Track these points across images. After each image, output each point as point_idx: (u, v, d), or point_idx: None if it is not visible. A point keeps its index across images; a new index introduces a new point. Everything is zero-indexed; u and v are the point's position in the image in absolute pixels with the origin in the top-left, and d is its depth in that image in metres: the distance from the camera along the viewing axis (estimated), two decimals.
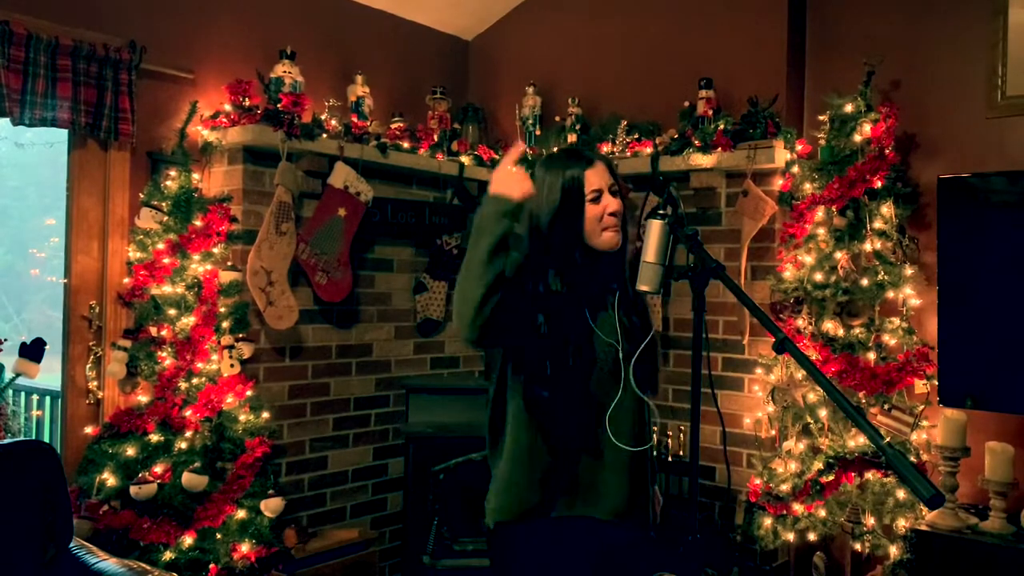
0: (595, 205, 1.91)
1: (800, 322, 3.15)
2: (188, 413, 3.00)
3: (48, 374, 3.12)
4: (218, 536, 2.96)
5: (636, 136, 3.65)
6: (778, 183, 3.38)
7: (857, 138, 3.11)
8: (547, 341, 1.87)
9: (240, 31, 3.52)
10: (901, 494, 2.97)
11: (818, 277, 3.10)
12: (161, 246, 3.07)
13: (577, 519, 1.89)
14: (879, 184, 3.06)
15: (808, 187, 3.21)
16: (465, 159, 4.00)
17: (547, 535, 1.88)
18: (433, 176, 3.92)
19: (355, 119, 3.65)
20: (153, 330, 3.05)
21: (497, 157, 4.10)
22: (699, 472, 1.84)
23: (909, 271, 3.06)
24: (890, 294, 3.05)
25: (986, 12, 3.16)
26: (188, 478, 2.91)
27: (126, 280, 3.11)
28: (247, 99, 3.29)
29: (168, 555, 2.85)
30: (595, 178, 1.92)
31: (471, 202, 4.09)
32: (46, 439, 4.27)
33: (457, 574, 3.19)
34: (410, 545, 3.31)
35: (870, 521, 3.01)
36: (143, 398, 3.03)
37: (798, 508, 3.04)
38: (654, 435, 1.98)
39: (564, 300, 1.91)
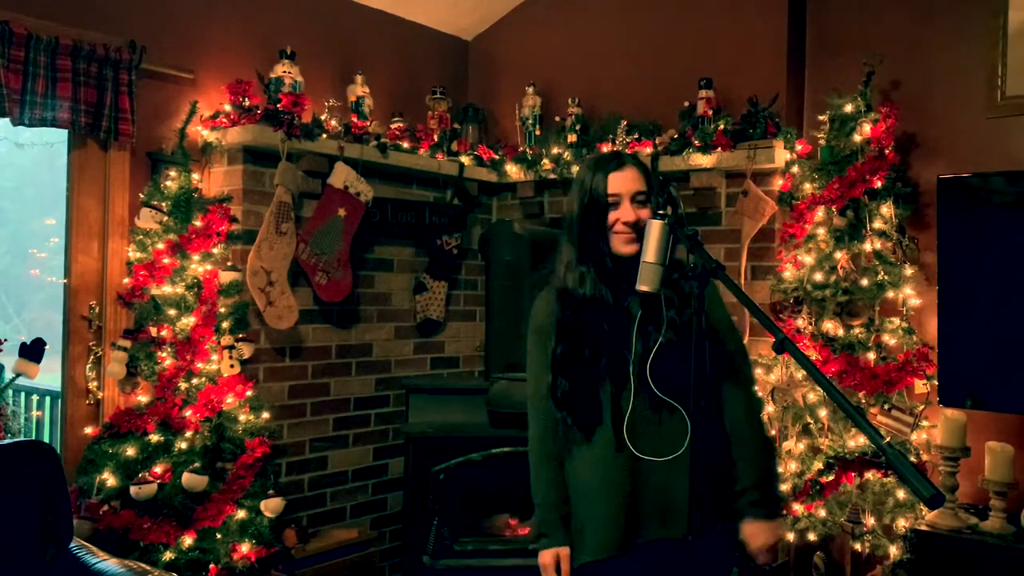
0: (613, 211, 1.90)
1: (800, 322, 3.15)
2: (188, 413, 3.00)
3: (48, 374, 3.12)
4: (218, 536, 2.96)
5: (636, 136, 3.65)
6: (778, 183, 3.37)
7: (857, 138, 3.11)
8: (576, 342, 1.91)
9: (240, 31, 3.52)
10: (901, 494, 2.97)
11: (818, 277, 3.10)
12: (161, 246, 3.07)
13: (653, 544, 1.89)
14: (879, 184, 3.06)
15: (808, 187, 3.21)
16: (465, 159, 4.00)
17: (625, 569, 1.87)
18: (433, 176, 3.92)
19: (355, 119, 3.65)
20: (153, 330, 3.05)
21: (497, 157, 4.10)
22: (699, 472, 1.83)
23: (909, 271, 3.06)
24: (890, 294, 3.05)
25: (986, 12, 3.16)
26: (188, 478, 2.91)
27: (126, 280, 3.11)
28: (247, 99, 3.29)
29: (168, 555, 2.85)
30: (616, 183, 1.90)
31: (471, 202, 4.09)
32: (46, 439, 4.27)
33: (457, 574, 3.19)
34: (410, 545, 3.31)
35: (870, 521, 3.01)
36: (143, 398, 3.03)
37: (798, 508, 3.04)
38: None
39: (598, 305, 1.91)
